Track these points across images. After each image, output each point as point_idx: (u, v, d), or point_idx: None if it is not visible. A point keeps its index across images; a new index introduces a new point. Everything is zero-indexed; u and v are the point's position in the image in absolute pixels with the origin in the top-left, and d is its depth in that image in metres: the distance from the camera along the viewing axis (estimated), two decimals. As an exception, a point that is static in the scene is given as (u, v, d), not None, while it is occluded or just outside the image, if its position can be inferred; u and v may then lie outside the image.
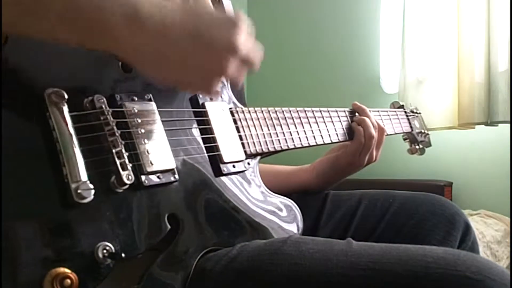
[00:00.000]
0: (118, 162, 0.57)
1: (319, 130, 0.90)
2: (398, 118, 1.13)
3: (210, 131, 0.71)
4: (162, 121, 0.64)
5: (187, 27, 0.53)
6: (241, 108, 0.78)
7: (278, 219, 0.75)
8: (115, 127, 0.58)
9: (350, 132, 0.96)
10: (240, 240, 0.66)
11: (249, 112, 0.79)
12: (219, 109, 0.74)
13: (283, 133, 0.83)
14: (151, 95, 0.65)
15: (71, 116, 0.55)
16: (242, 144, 0.75)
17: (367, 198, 0.94)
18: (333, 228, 0.91)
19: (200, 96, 0.72)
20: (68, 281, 0.49)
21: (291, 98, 2.72)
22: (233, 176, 0.72)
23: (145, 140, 0.61)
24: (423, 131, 1.22)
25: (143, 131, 0.61)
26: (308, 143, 0.87)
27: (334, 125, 0.93)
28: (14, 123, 0.52)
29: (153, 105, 0.64)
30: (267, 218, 0.74)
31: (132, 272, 0.57)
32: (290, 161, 1.04)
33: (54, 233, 0.51)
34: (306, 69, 2.79)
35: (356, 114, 0.99)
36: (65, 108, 0.55)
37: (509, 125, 1.95)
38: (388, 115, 1.09)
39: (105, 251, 0.53)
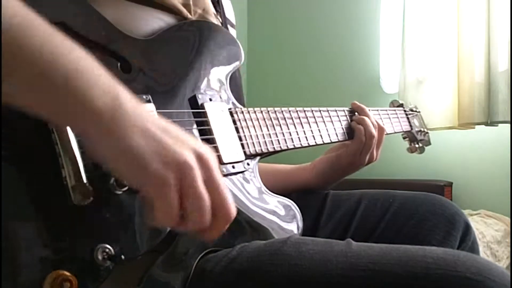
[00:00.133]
0: (117, 163, 0.56)
1: (319, 130, 0.90)
2: (398, 117, 1.13)
3: (210, 132, 0.71)
4: (161, 122, 0.64)
5: (159, 122, 0.50)
6: (241, 109, 0.78)
7: (278, 219, 0.75)
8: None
9: (349, 131, 0.96)
10: (240, 241, 0.66)
11: (249, 112, 0.79)
12: (218, 109, 0.74)
13: (283, 133, 0.83)
14: (149, 96, 0.65)
15: (70, 118, 0.55)
16: (242, 144, 0.75)
17: (367, 198, 0.94)
18: (333, 228, 0.91)
19: (199, 96, 0.72)
20: (68, 283, 0.49)
21: (291, 98, 2.73)
22: (232, 177, 0.72)
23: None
24: (422, 129, 1.21)
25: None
26: (308, 143, 0.87)
27: (333, 125, 0.93)
28: (13, 125, 0.51)
29: (152, 106, 0.64)
30: (267, 218, 0.74)
31: (132, 273, 0.57)
32: (289, 161, 1.04)
33: (53, 235, 0.51)
34: (306, 69, 2.80)
35: (356, 113, 0.99)
36: (64, 110, 0.54)
37: (509, 125, 1.95)
38: (388, 114, 1.09)
39: (104, 253, 0.53)
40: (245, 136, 0.76)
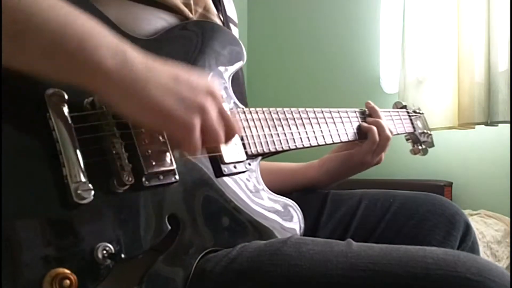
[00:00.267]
0: (118, 162, 0.56)
1: (321, 130, 0.90)
2: (401, 119, 1.13)
3: (211, 131, 0.71)
4: (162, 121, 0.64)
5: (169, 70, 0.56)
6: (242, 109, 0.78)
7: (279, 219, 0.75)
8: (115, 128, 0.58)
9: (351, 132, 0.96)
10: (241, 241, 0.66)
11: (250, 112, 0.79)
12: (219, 109, 0.74)
13: (284, 133, 0.83)
14: None
15: (71, 117, 0.55)
16: (243, 144, 0.75)
17: (367, 197, 0.94)
18: (333, 228, 0.91)
19: None
20: (68, 281, 0.49)
21: (291, 98, 2.73)
22: (234, 177, 0.72)
23: (146, 141, 0.61)
24: (425, 131, 1.21)
25: (143, 131, 0.61)
26: (310, 143, 0.87)
27: (335, 126, 0.93)
28: (14, 124, 0.51)
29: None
30: (269, 218, 0.74)
31: (132, 272, 0.57)
32: (288, 161, 1.04)
33: (54, 233, 0.51)
34: (306, 69, 2.80)
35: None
36: (65, 109, 0.55)
37: (509, 125, 1.95)
38: (391, 116, 1.09)
39: (105, 251, 0.53)
40: (246, 136, 0.76)
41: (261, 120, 0.80)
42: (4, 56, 0.48)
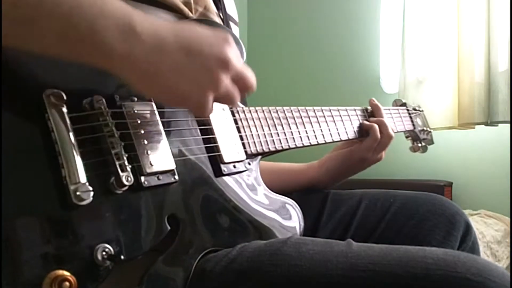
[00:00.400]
0: (117, 163, 0.56)
1: (321, 129, 0.90)
2: (401, 116, 1.13)
3: (211, 131, 0.71)
4: (162, 121, 0.64)
5: (180, 41, 0.54)
6: (242, 108, 0.78)
7: (279, 218, 0.75)
8: (114, 128, 0.58)
9: (351, 130, 0.96)
10: (241, 241, 0.66)
11: (250, 111, 0.79)
12: (219, 109, 0.74)
13: (284, 132, 0.83)
14: None
15: (70, 117, 0.55)
16: (243, 144, 0.75)
17: (367, 197, 0.94)
18: (333, 228, 0.91)
19: None
20: (67, 283, 0.49)
21: (291, 98, 2.73)
22: (234, 176, 0.72)
23: (145, 141, 0.61)
24: (425, 128, 1.21)
25: (142, 132, 0.61)
26: (310, 142, 0.87)
27: (335, 124, 0.93)
28: (12, 125, 0.51)
29: (153, 106, 0.64)
30: (269, 217, 0.74)
31: (132, 273, 0.57)
32: (290, 161, 1.04)
33: (53, 235, 0.50)
34: (306, 69, 2.80)
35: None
36: (64, 109, 0.54)
37: (509, 125, 1.95)
38: (391, 114, 1.09)
39: (104, 253, 0.52)
40: (246, 135, 0.76)
41: (261, 119, 0.80)
42: (20, 41, 0.48)
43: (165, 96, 0.56)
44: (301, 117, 0.87)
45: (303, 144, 0.85)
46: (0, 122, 0.50)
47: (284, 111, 0.85)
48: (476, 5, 2.07)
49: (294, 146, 0.84)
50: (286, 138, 0.83)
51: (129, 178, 0.56)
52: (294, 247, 0.61)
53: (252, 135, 0.77)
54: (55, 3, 0.48)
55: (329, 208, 0.93)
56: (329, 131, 0.91)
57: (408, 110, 1.18)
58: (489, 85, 2.05)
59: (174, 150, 0.64)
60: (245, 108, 0.79)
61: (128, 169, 0.57)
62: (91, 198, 0.53)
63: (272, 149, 0.80)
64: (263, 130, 0.79)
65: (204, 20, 0.80)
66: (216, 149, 0.70)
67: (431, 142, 1.23)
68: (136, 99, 0.63)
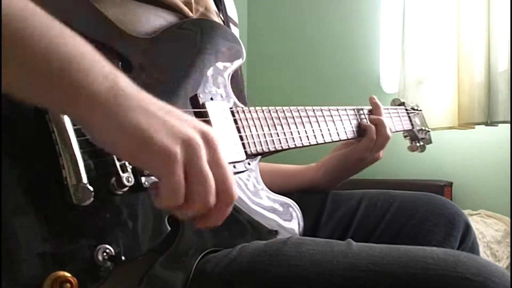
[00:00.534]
0: (118, 164, 0.56)
1: (320, 129, 0.90)
2: (399, 116, 1.13)
3: (210, 131, 0.71)
4: (162, 122, 0.64)
5: (161, 104, 0.50)
6: (242, 108, 0.78)
7: (279, 218, 0.75)
8: (115, 129, 0.58)
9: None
10: (241, 241, 0.66)
11: (250, 111, 0.79)
12: (219, 109, 0.74)
13: (284, 132, 0.83)
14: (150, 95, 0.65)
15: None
16: (243, 144, 0.75)
17: (367, 198, 0.94)
18: (333, 228, 0.91)
19: (201, 96, 0.72)
20: (68, 284, 0.49)
21: (291, 98, 2.73)
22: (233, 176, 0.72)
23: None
24: (424, 128, 1.21)
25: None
26: (309, 142, 0.87)
27: (335, 124, 0.93)
28: (13, 125, 0.51)
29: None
30: (268, 217, 0.74)
31: (132, 274, 0.57)
32: (290, 161, 1.04)
33: (53, 236, 0.50)
34: (306, 68, 2.80)
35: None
36: (65, 110, 0.54)
37: (509, 125, 1.95)
38: (389, 113, 1.09)
39: (105, 253, 0.52)
40: (246, 135, 0.76)
41: (261, 119, 0.80)
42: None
43: (123, 137, 0.46)
44: (301, 117, 0.87)
45: (302, 144, 0.85)
46: (0, 122, 0.50)
47: (284, 111, 0.85)
48: (476, 5, 2.07)
49: (294, 146, 0.84)
50: (286, 138, 0.83)
51: (130, 179, 0.56)
52: (294, 247, 0.61)
53: (252, 135, 0.77)
54: (34, 41, 0.44)
55: (329, 208, 0.93)
56: (329, 131, 0.91)
57: (406, 109, 1.18)
58: (489, 85, 2.05)
59: None
60: (245, 108, 0.79)
61: (129, 169, 0.57)
62: (92, 199, 0.53)
63: (272, 149, 0.80)
64: (263, 130, 0.79)
65: (205, 20, 0.80)
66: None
67: (429, 141, 1.23)
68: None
